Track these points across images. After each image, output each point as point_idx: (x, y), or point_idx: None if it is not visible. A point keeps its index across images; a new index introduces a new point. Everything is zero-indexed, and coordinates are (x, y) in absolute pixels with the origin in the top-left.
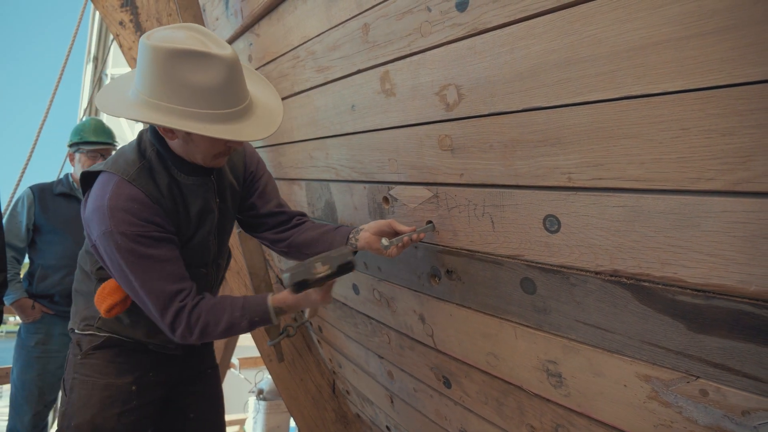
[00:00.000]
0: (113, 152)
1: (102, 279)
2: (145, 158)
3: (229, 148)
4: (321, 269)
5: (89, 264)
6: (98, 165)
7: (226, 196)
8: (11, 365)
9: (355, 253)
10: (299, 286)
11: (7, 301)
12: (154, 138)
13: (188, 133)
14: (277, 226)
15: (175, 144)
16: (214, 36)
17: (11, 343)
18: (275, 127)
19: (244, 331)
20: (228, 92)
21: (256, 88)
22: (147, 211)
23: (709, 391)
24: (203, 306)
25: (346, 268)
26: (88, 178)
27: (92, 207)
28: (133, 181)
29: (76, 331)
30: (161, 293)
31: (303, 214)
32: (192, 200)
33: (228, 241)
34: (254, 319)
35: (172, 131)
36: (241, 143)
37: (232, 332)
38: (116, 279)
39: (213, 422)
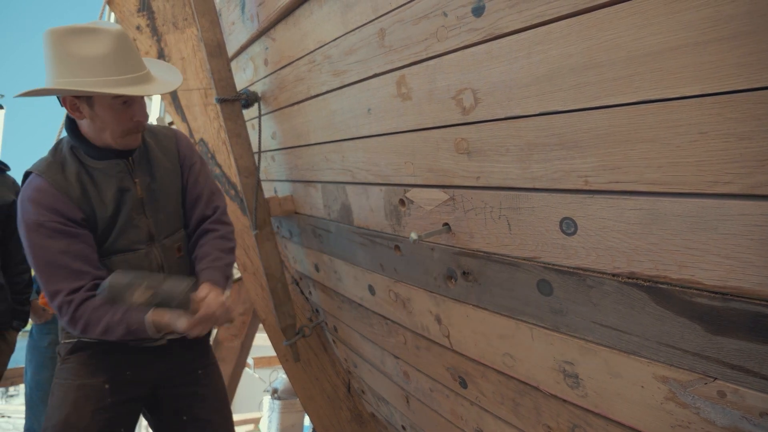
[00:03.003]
0: None
1: None
2: (59, 154)
3: (136, 123)
4: (138, 297)
5: None
6: None
7: (155, 174)
8: (24, 365)
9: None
10: (111, 300)
11: None
12: (69, 130)
13: (92, 108)
14: (194, 229)
15: (84, 126)
16: (108, 22)
17: (23, 343)
18: (172, 89)
19: (122, 338)
20: (119, 61)
21: (162, 73)
22: (50, 198)
23: (726, 392)
24: (89, 305)
25: (167, 304)
26: None
27: None
28: (42, 173)
29: (59, 342)
30: (52, 284)
31: (213, 222)
32: (105, 183)
33: (173, 221)
34: (131, 327)
35: (79, 110)
36: (146, 115)
37: (109, 335)
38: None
39: (211, 424)
